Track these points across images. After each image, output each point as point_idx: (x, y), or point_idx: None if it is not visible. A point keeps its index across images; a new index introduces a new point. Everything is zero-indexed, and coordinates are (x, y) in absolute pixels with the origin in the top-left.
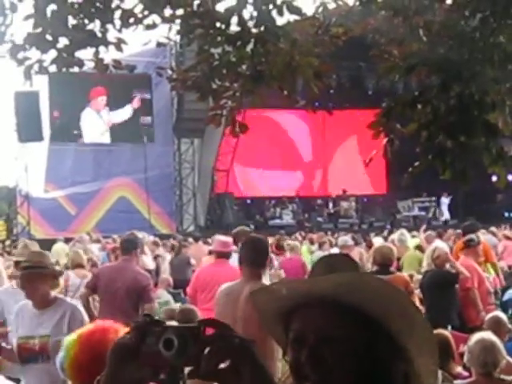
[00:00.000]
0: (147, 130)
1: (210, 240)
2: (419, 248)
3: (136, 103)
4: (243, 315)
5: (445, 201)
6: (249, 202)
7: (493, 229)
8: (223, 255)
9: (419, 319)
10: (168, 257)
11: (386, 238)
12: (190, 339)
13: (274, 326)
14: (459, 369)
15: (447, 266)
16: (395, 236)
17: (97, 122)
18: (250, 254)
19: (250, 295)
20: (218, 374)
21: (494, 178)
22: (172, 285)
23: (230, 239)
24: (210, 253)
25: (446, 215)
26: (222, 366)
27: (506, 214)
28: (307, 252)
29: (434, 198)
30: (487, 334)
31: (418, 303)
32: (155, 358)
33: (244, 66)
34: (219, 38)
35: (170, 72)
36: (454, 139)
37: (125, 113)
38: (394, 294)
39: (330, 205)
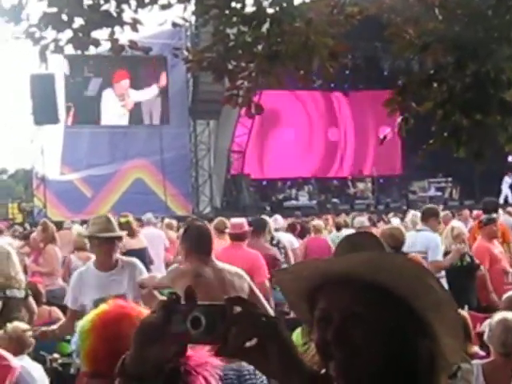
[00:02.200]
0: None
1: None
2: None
3: (162, 81)
4: (217, 291)
5: (508, 180)
6: (265, 183)
7: (510, 209)
8: (237, 238)
9: (445, 298)
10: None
11: (402, 219)
12: (217, 317)
13: (299, 305)
14: (476, 348)
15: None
16: (408, 217)
17: (115, 105)
18: (198, 241)
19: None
20: (245, 351)
21: (511, 158)
22: None
23: (243, 221)
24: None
25: (507, 194)
26: (249, 343)
27: None
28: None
29: (450, 179)
30: (510, 315)
31: None
32: (182, 336)
33: (259, 47)
34: (235, 19)
35: (185, 53)
36: (470, 117)
37: (151, 91)
38: (420, 273)
39: (347, 186)
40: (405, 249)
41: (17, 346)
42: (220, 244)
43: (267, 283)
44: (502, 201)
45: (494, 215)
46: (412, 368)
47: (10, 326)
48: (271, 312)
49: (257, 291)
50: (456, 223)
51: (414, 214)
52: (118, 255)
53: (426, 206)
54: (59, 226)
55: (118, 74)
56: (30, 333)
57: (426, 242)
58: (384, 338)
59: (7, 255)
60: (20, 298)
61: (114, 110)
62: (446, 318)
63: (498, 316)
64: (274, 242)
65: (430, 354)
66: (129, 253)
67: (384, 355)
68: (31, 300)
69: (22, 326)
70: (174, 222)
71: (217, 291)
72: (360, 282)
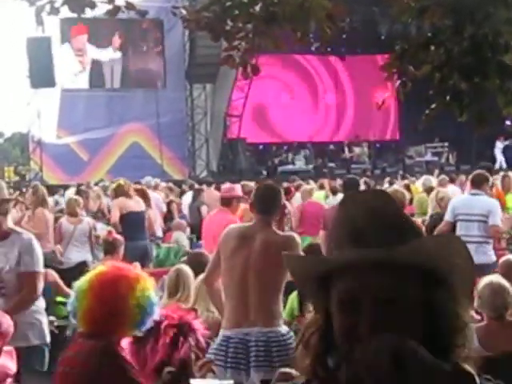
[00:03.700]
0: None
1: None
2: (429, 191)
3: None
4: (258, 263)
5: (499, 145)
6: (261, 147)
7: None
8: (225, 202)
9: (471, 269)
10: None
11: (391, 184)
12: None
13: (309, 284)
14: (471, 312)
15: None
16: (420, 182)
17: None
18: (261, 201)
19: (284, 257)
20: None
21: (508, 122)
22: (185, 228)
23: (235, 186)
24: None
25: (501, 160)
26: None
27: None
28: (323, 198)
29: (446, 144)
30: (495, 277)
31: None
32: None
33: (256, 7)
34: None
35: (183, 12)
36: (468, 81)
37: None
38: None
39: (343, 150)
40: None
41: None
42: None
43: None
44: (498, 167)
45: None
46: (444, 338)
47: None
48: None
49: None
50: (453, 188)
51: (426, 178)
52: (10, 226)
53: (476, 171)
54: (55, 189)
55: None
56: None
57: (486, 206)
58: (421, 317)
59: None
60: None
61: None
62: (466, 279)
63: (485, 280)
64: None
65: (456, 316)
66: (129, 215)
67: (420, 335)
68: None
69: None
70: (174, 187)
71: (255, 261)
72: (401, 266)
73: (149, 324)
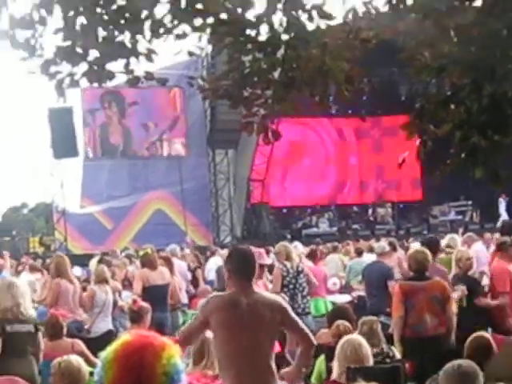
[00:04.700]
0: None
1: None
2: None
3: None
4: (249, 325)
5: (503, 202)
6: (285, 211)
7: None
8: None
9: None
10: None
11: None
12: None
13: None
14: None
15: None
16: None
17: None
18: (243, 267)
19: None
20: None
21: None
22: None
23: (262, 252)
24: None
25: (504, 216)
26: None
27: None
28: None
29: (470, 202)
30: None
31: (455, 309)
32: None
33: (275, 73)
34: (249, 46)
35: (201, 82)
36: (488, 138)
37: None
38: None
39: (368, 212)
40: None
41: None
42: None
43: None
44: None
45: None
46: None
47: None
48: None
49: (293, 316)
50: (479, 246)
51: (451, 237)
52: None
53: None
54: (80, 259)
55: None
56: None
57: None
58: None
59: (8, 286)
60: (25, 332)
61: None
62: None
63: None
64: (300, 269)
65: None
66: (151, 288)
67: None
68: (40, 335)
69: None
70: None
71: (248, 324)
72: None
73: None
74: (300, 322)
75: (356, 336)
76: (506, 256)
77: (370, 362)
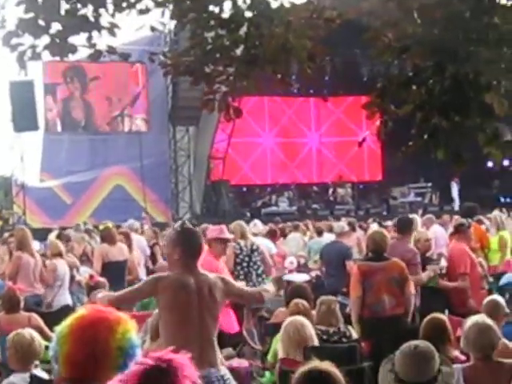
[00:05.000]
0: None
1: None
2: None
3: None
4: (197, 305)
5: (455, 186)
6: (244, 189)
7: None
8: (212, 244)
9: None
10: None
11: (380, 224)
12: None
13: None
14: (456, 352)
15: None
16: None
17: None
18: (192, 246)
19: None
20: None
21: (490, 164)
22: None
23: (223, 227)
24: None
25: (457, 200)
26: None
27: (502, 200)
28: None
29: (429, 184)
30: (481, 317)
31: (413, 289)
32: None
33: (237, 50)
34: (212, 22)
35: (162, 58)
36: (449, 119)
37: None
38: None
39: (327, 192)
40: None
41: None
42: None
43: None
44: (457, 208)
45: (469, 220)
46: None
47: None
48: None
49: (235, 283)
50: (437, 228)
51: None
52: None
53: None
54: (38, 233)
55: None
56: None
57: None
58: None
59: None
60: None
61: None
62: None
63: (471, 321)
64: (254, 247)
65: None
66: (109, 264)
67: None
68: None
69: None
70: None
71: (196, 305)
72: None
73: (131, 367)
74: (245, 287)
75: (299, 317)
76: (464, 238)
77: (315, 342)
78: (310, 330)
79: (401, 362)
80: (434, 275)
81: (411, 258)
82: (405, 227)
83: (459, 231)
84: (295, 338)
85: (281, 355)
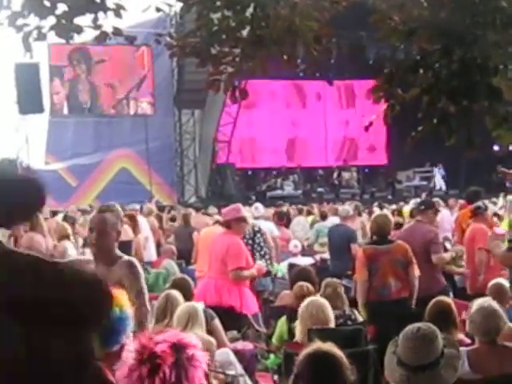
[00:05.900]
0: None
1: (210, 211)
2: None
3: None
4: None
5: (441, 172)
6: (250, 172)
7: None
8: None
9: None
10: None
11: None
12: None
13: None
14: (461, 336)
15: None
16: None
17: None
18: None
19: None
20: None
21: (496, 148)
22: (176, 254)
23: (238, 206)
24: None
25: (442, 185)
26: None
27: (508, 184)
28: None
29: (435, 168)
30: (487, 301)
31: (417, 272)
32: None
33: (244, 31)
34: (218, 3)
35: (168, 39)
36: (457, 103)
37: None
38: None
39: (333, 175)
40: None
41: None
42: None
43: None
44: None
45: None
46: None
47: None
48: None
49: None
50: (444, 212)
51: (415, 203)
52: None
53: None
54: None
55: None
56: None
57: None
58: None
59: None
60: None
61: None
62: None
63: (477, 304)
64: (256, 229)
65: None
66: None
67: None
68: None
69: None
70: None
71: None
72: None
73: (120, 339)
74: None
75: (319, 297)
76: (482, 219)
77: (332, 323)
78: (330, 312)
79: (403, 344)
80: (455, 255)
81: (433, 237)
82: (427, 208)
83: (476, 214)
84: (317, 317)
85: (298, 336)
